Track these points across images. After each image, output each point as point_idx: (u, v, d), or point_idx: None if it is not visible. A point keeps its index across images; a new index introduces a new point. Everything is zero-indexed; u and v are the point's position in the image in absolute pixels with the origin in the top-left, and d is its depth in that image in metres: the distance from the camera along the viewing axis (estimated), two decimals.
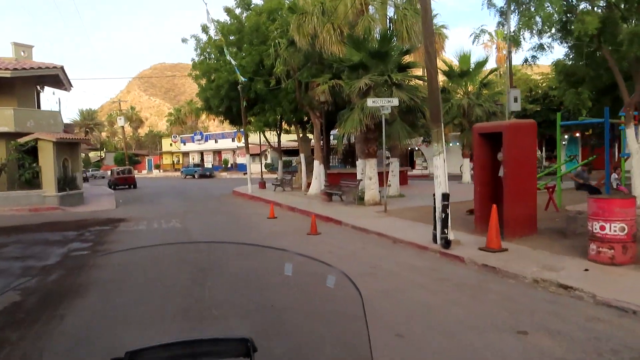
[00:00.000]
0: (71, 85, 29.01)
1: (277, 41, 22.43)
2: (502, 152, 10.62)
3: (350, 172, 25.84)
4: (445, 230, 9.87)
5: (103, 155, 77.93)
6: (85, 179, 59.08)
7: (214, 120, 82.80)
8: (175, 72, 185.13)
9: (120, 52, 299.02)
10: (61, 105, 60.08)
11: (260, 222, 16.12)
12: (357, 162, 21.95)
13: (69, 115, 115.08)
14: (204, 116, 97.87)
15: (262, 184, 29.91)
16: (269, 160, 56.29)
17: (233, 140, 59.62)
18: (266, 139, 31.70)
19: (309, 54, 20.65)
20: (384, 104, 15.33)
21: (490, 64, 38.62)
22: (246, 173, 27.70)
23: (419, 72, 21.25)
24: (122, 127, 65.42)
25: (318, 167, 23.48)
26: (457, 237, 10.19)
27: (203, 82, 29.34)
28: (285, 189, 26.94)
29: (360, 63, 16.71)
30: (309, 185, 25.78)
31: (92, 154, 79.06)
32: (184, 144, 68.30)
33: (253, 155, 44.57)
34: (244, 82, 24.65)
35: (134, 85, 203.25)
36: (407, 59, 17.59)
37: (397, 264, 9.20)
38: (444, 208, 9.90)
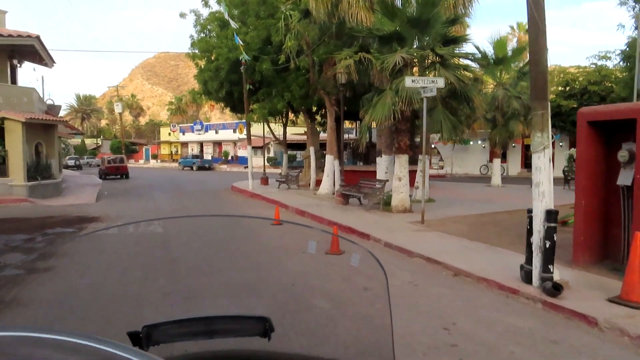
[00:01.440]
0: (53, 61, 25.47)
1: (288, 13, 18.83)
2: (627, 150, 7.09)
3: (367, 169, 22.32)
4: (550, 268, 6.35)
5: (100, 142, 74.31)
6: (79, 167, 55.84)
7: (213, 106, 79.10)
8: (179, 61, 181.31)
9: (125, 40, 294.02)
10: (44, 83, 56.38)
11: (263, 230, 12.61)
12: (377, 159, 18.44)
13: (67, 100, 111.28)
14: (206, 107, 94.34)
15: (265, 180, 26.38)
16: (271, 154, 52.74)
17: (234, 131, 55.99)
18: (270, 130, 28.12)
19: (327, 27, 17.09)
20: (427, 84, 11.80)
21: None
22: (247, 166, 24.20)
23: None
24: (120, 113, 61.78)
25: (331, 162, 19.93)
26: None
27: (202, 63, 25.84)
28: (290, 186, 23.41)
29: (395, 33, 13.15)
30: (318, 183, 22.27)
31: (88, 141, 75.50)
32: (183, 134, 64.63)
33: (255, 148, 41.06)
34: (247, 61, 21.09)
35: (137, 74, 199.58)
36: (453, 31, 13.95)
37: (483, 322, 5.67)
38: (550, 233, 6.37)
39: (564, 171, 23.06)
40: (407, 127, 14.03)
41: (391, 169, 16.78)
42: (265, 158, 45.23)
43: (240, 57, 21.04)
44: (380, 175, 18.00)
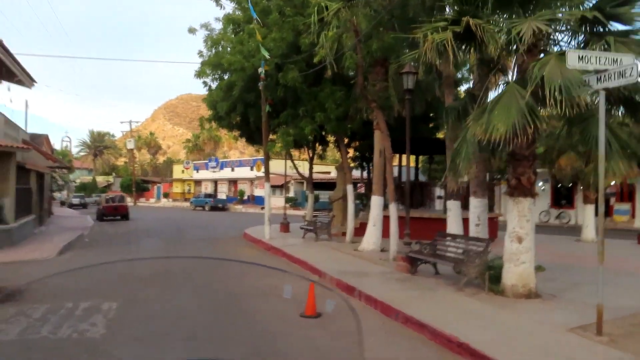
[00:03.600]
0: (33, 81, 20.42)
1: (323, 4, 13.36)
2: None
3: (428, 216, 16.32)
4: None
5: (112, 180, 69.49)
6: (84, 205, 50.56)
7: (228, 141, 73.79)
8: (200, 102, 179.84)
9: (148, 81, 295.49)
10: (27, 107, 51.72)
11: (289, 335, 6.68)
12: (449, 204, 12.53)
13: (80, 136, 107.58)
14: (225, 146, 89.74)
15: (285, 227, 20.50)
16: (291, 194, 46.93)
17: (252, 168, 50.65)
18: (293, 165, 22.52)
19: (380, 12, 11.59)
20: (607, 65, 6.02)
21: None
22: (264, 208, 18.46)
23: None
24: (131, 149, 57.01)
25: (378, 207, 14.04)
26: None
27: (212, 85, 20.44)
28: (319, 236, 17.41)
29: None
30: (356, 233, 16.37)
31: (100, 178, 70.79)
32: (197, 171, 59.33)
33: (273, 187, 35.45)
34: (267, 69, 15.63)
35: (159, 114, 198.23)
36: None
37: None
38: None
39: None
40: (531, 151, 8.16)
41: (483, 219, 10.88)
42: (284, 198, 39.59)
43: (260, 65, 15.61)
44: (454, 227, 12.05)
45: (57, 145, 59.23)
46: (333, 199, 21.81)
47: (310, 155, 22.36)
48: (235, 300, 8.91)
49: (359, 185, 27.23)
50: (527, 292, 8.00)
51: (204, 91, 20.89)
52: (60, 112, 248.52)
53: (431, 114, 18.94)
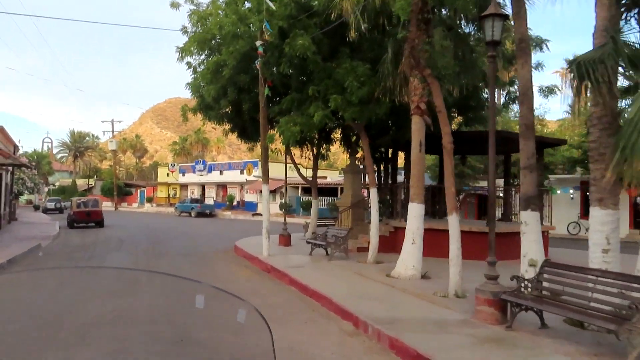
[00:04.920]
0: None
1: None
2: None
3: (465, 229, 12.58)
4: None
5: (93, 183, 64.82)
6: (60, 210, 46.14)
7: (217, 144, 69.38)
8: (191, 105, 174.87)
9: (136, 85, 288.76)
10: None
11: None
12: (524, 215, 8.77)
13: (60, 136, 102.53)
14: (213, 151, 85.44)
15: (286, 239, 16.63)
16: (284, 199, 42.94)
17: (242, 172, 46.64)
18: (294, 164, 18.67)
19: None
20: None
21: None
22: (255, 214, 14.65)
23: None
24: (114, 151, 52.68)
25: (418, 217, 10.22)
26: None
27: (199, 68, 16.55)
28: (332, 253, 13.51)
29: None
30: (380, 247, 12.56)
31: (81, 181, 66.14)
32: (183, 175, 55.04)
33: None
34: (267, 40, 11.85)
35: (147, 118, 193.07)
36: None
37: None
38: None
39: None
40: None
41: (614, 241, 7.17)
42: (278, 204, 35.73)
43: (257, 33, 11.84)
44: (533, 248, 8.30)
45: (37, 146, 54.78)
46: (341, 205, 18.04)
47: (315, 153, 18.56)
48: None
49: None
50: None
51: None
52: (47, 117, 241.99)
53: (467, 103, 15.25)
